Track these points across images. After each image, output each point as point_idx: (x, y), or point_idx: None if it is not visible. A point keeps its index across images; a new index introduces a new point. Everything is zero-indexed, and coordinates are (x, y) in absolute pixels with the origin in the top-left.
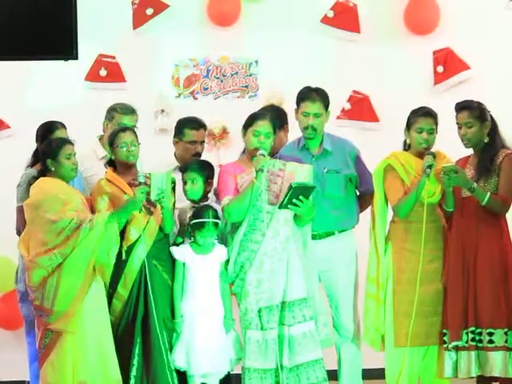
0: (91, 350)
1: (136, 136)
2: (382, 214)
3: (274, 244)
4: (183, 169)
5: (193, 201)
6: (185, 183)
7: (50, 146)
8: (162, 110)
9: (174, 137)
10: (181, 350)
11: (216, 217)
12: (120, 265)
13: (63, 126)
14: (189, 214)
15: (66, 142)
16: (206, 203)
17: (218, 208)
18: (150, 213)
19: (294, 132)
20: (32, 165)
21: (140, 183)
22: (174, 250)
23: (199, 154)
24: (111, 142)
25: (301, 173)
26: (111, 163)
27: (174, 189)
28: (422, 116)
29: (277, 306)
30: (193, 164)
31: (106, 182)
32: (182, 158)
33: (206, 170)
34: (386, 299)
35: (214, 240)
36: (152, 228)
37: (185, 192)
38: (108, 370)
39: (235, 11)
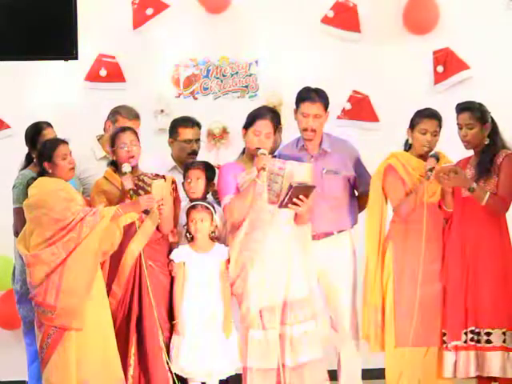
0: (94, 348)
1: (137, 136)
2: (374, 213)
3: (276, 243)
4: (188, 166)
5: (192, 200)
6: (188, 181)
7: (44, 148)
8: (162, 110)
9: (169, 137)
10: (188, 356)
11: (207, 207)
12: (114, 263)
13: (49, 126)
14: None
15: (60, 142)
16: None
17: (218, 208)
18: (146, 212)
19: (290, 131)
20: (24, 167)
21: (125, 173)
22: (173, 251)
23: (195, 152)
24: (112, 142)
25: (301, 171)
26: (113, 164)
27: (175, 189)
28: (428, 117)
29: (278, 305)
30: (198, 162)
31: (104, 180)
32: (179, 157)
33: (210, 170)
34: (387, 299)
35: (210, 234)
36: (147, 227)
37: (187, 190)
38: (111, 369)
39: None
